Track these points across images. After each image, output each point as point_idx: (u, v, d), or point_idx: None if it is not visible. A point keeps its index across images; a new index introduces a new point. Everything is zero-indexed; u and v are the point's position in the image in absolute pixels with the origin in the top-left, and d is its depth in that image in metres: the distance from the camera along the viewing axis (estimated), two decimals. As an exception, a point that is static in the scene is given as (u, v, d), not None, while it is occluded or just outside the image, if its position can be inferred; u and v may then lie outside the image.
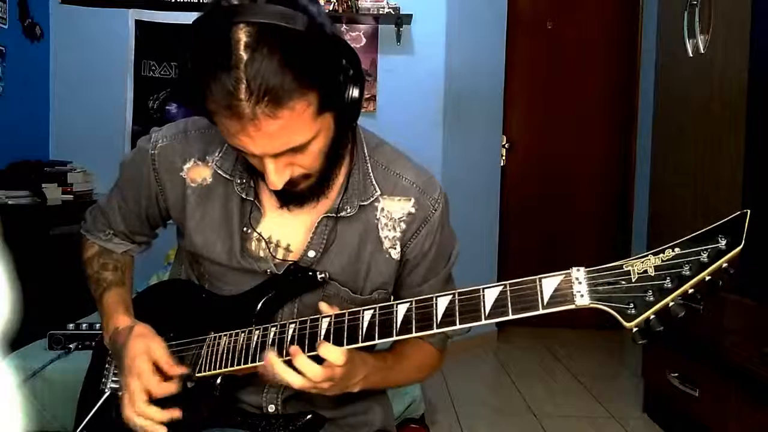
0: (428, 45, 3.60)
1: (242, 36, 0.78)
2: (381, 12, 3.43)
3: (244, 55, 0.78)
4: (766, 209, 1.95)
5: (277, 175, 0.88)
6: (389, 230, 1.04)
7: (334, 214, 1.01)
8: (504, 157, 4.04)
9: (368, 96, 3.53)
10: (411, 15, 3.48)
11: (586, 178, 4.15)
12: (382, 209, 1.04)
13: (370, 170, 1.04)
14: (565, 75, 4.10)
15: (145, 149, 1.07)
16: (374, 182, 1.03)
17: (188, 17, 3.57)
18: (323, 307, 0.93)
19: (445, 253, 1.09)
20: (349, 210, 1.01)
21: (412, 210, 1.04)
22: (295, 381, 0.89)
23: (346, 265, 1.03)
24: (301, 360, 0.88)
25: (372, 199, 1.03)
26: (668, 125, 2.63)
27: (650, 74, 3.16)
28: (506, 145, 4.04)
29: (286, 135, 0.83)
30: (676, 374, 2.40)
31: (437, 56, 3.59)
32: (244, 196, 1.02)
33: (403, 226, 1.04)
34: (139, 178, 1.08)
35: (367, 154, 1.04)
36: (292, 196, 0.98)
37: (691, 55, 2.41)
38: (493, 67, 3.84)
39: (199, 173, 1.05)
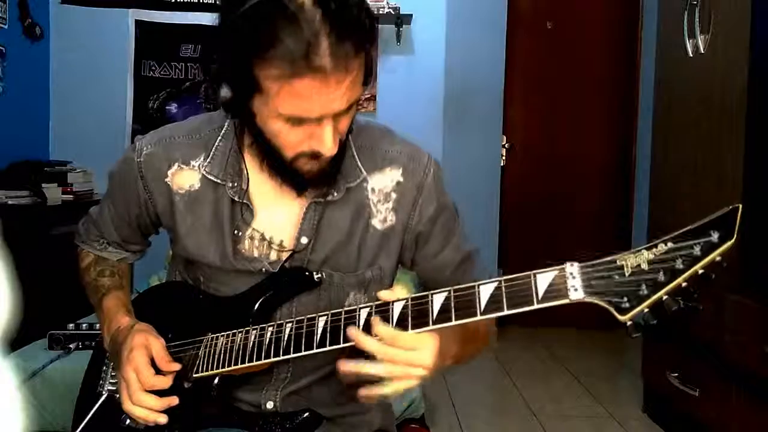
0: (428, 45, 3.60)
1: None
2: (381, 12, 3.43)
3: (316, 11, 0.80)
4: (767, 209, 1.96)
5: (333, 140, 0.90)
6: (382, 204, 1.04)
7: (321, 199, 1.01)
8: (504, 157, 4.04)
9: (368, 96, 3.53)
10: (411, 15, 3.48)
11: (586, 178, 4.14)
12: (373, 189, 1.04)
13: (354, 153, 1.04)
14: (565, 75, 4.10)
15: (131, 158, 1.07)
16: (359, 164, 1.04)
17: (188, 17, 3.58)
18: (384, 294, 0.88)
19: (452, 210, 1.09)
20: (336, 194, 1.01)
21: (401, 179, 1.04)
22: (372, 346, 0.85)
23: (339, 249, 1.03)
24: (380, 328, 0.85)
25: (359, 180, 1.03)
26: (668, 125, 2.63)
27: (650, 74, 3.16)
28: (506, 145, 4.04)
29: (353, 88, 0.86)
30: (676, 374, 2.40)
31: (437, 56, 3.59)
32: (236, 198, 1.02)
33: (394, 196, 1.04)
34: (128, 187, 1.08)
35: (350, 137, 1.04)
36: (308, 181, 0.98)
37: (691, 55, 2.41)
38: (493, 67, 3.84)
39: (185, 179, 1.04)
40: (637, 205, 4.06)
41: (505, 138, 4.01)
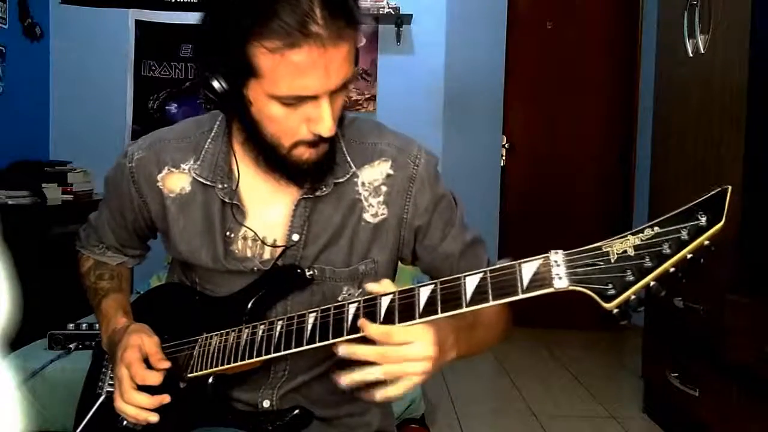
0: (428, 45, 3.60)
1: None
2: (381, 12, 3.43)
3: None
4: (767, 209, 1.95)
5: (332, 119, 0.89)
6: (373, 198, 1.03)
7: (310, 195, 1.01)
8: (504, 157, 4.04)
9: (368, 96, 3.53)
10: (411, 15, 3.48)
11: (587, 178, 4.14)
12: (363, 183, 1.03)
13: (343, 148, 1.03)
14: (565, 75, 4.10)
15: (122, 164, 1.07)
16: (348, 159, 1.03)
17: (188, 17, 3.58)
18: (372, 287, 0.88)
19: (449, 199, 1.07)
20: (324, 189, 1.01)
21: (390, 171, 1.03)
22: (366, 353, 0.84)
23: (330, 244, 1.03)
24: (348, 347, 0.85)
25: (348, 175, 1.02)
26: (668, 125, 2.63)
27: (650, 74, 3.16)
28: (506, 145, 4.04)
29: (346, 64, 0.87)
30: (676, 374, 2.40)
31: (437, 56, 3.60)
32: (226, 199, 1.02)
33: (385, 189, 1.03)
34: (122, 192, 1.09)
35: (338, 131, 1.02)
36: (305, 172, 0.97)
37: (691, 55, 2.41)
38: (493, 67, 3.84)
39: (175, 182, 1.04)
40: (637, 205, 4.06)
41: (505, 138, 4.01)
